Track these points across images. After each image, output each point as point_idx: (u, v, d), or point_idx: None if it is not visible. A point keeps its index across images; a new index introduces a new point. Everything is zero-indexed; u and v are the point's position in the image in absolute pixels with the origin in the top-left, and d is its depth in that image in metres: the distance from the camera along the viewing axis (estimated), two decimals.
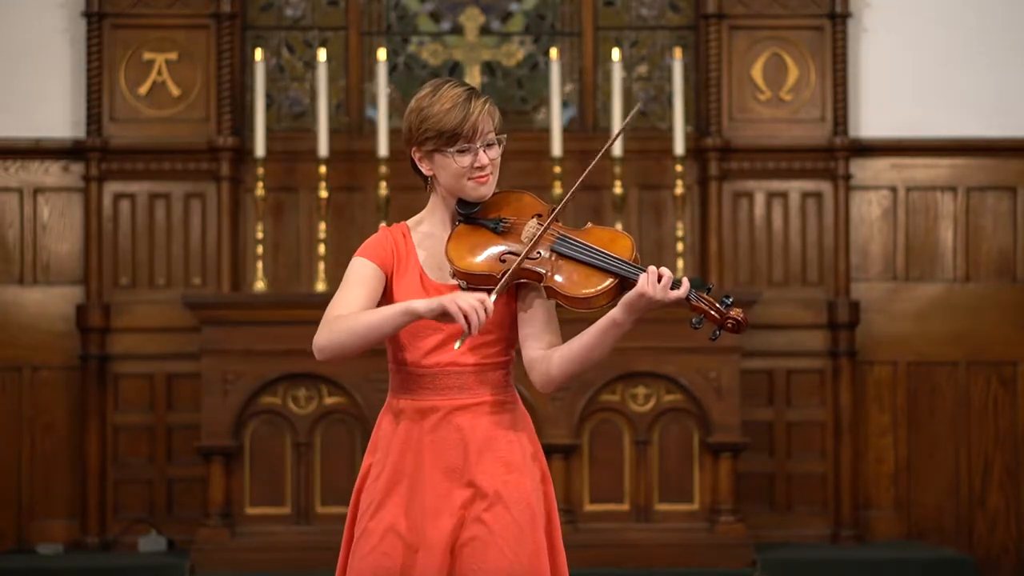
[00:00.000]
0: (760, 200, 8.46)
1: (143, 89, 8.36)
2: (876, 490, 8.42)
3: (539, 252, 3.78)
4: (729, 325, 3.74)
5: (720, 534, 7.71)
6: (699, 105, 8.52)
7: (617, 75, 8.18)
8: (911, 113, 8.47)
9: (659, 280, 3.71)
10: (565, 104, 8.59)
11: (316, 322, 3.81)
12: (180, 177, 8.36)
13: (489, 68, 8.69)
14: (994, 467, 8.44)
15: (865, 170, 8.48)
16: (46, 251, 8.37)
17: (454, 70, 8.67)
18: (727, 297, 3.76)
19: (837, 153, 8.39)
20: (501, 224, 3.85)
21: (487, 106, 3.83)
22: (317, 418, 7.76)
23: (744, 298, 7.95)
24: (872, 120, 8.49)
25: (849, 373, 8.35)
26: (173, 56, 8.38)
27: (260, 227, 8.20)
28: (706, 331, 3.77)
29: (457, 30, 8.61)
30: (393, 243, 3.87)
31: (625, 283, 3.74)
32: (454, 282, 3.83)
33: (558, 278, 3.77)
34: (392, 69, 8.62)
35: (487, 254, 3.81)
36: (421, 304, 3.67)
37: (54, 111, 8.37)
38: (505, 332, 3.85)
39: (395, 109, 8.59)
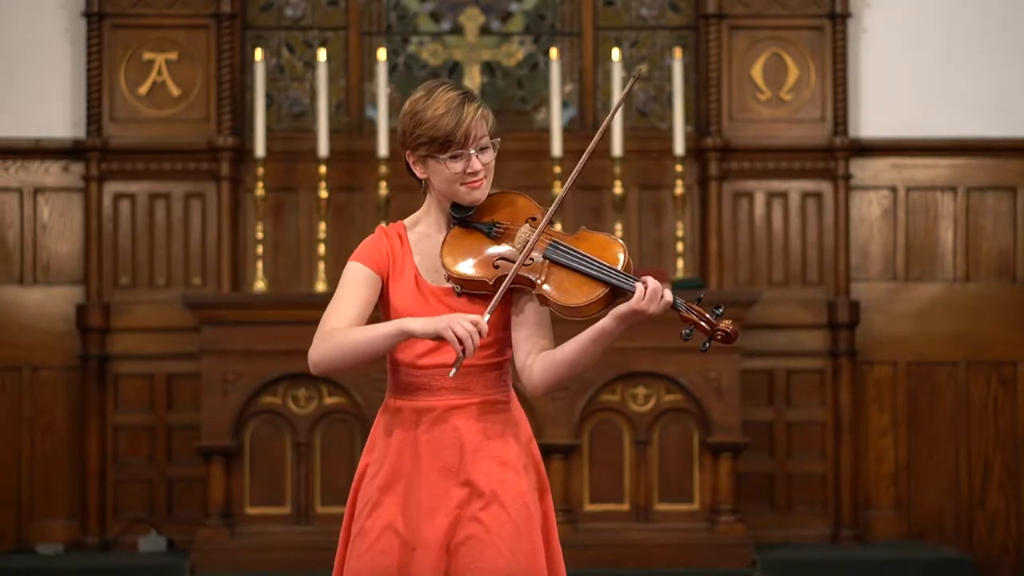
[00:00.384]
0: (760, 200, 8.46)
1: (143, 89, 8.36)
2: (876, 490, 8.42)
3: (532, 258, 3.79)
4: (719, 336, 3.74)
5: (720, 534, 7.71)
6: (699, 105, 8.52)
7: (617, 75, 8.18)
8: (911, 113, 8.47)
9: (647, 293, 3.70)
10: (565, 104, 8.59)
11: (316, 322, 3.82)
12: (180, 177, 8.36)
13: (489, 68, 8.69)
14: (994, 467, 8.44)
15: (865, 170, 8.48)
16: (46, 251, 8.37)
17: (454, 70, 8.67)
18: (717, 308, 3.77)
19: (837, 153, 8.39)
20: (495, 229, 3.86)
21: (480, 111, 3.83)
22: (317, 418, 7.77)
23: (744, 298, 7.95)
24: (872, 120, 8.49)
25: (849, 373, 8.35)
26: (173, 56, 8.38)
27: (260, 227, 8.20)
28: (697, 339, 3.76)
29: (457, 30, 8.61)
30: (388, 246, 3.88)
31: (616, 292, 3.75)
32: (449, 285, 3.84)
33: (550, 286, 3.77)
34: (392, 69, 8.62)
35: (481, 259, 3.82)
36: (416, 325, 3.69)
37: (54, 111, 8.37)
38: (499, 334, 3.86)
39: (395, 109, 8.58)
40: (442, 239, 3.87)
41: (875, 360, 8.45)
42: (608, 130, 8.21)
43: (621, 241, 3.85)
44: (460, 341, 3.64)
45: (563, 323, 3.85)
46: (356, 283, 3.84)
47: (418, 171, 3.88)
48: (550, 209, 3.85)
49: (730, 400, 7.76)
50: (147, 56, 8.37)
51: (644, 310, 3.70)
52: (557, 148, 8.13)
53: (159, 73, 8.38)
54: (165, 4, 8.37)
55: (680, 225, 8.25)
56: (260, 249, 8.18)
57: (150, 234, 8.35)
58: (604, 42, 8.67)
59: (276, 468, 7.76)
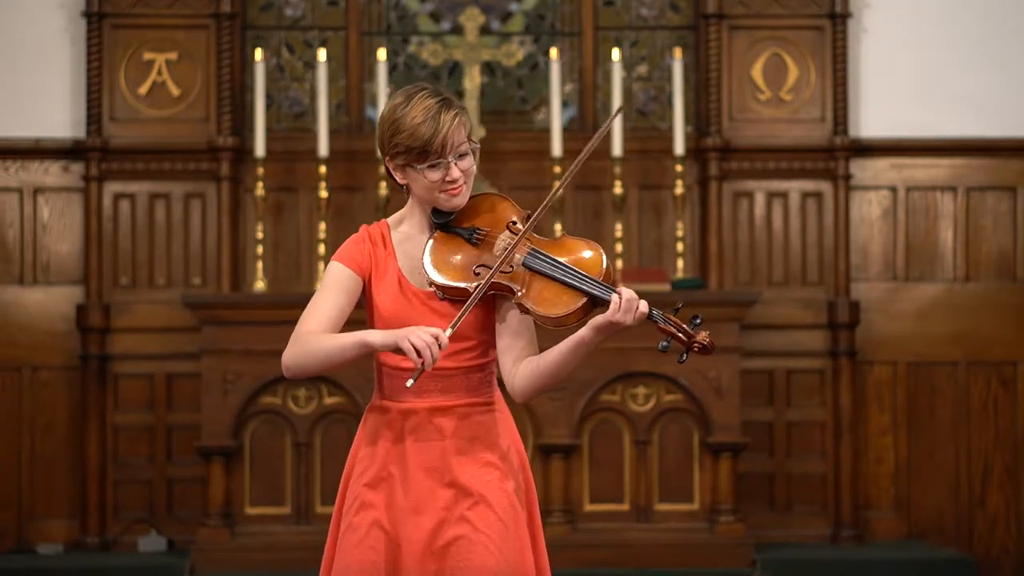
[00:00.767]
0: (760, 200, 8.46)
1: (143, 89, 8.36)
2: (876, 490, 8.42)
3: (511, 266, 3.79)
4: (696, 348, 3.77)
5: (720, 534, 7.71)
6: (699, 105, 8.52)
7: (617, 75, 8.18)
8: (911, 113, 8.47)
9: (622, 305, 3.71)
10: (565, 104, 8.58)
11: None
12: (180, 177, 8.36)
13: (489, 68, 8.69)
14: (994, 467, 8.44)
15: (865, 170, 8.48)
16: (46, 251, 8.37)
17: (454, 70, 8.67)
18: (695, 318, 3.78)
19: (837, 153, 8.39)
20: (475, 235, 3.86)
21: (458, 119, 3.81)
22: (317, 418, 7.76)
23: (744, 298, 7.95)
24: (872, 120, 8.49)
25: (849, 373, 8.34)
26: (173, 56, 8.38)
27: (260, 227, 8.20)
28: (675, 350, 3.76)
29: (457, 30, 8.61)
30: (371, 246, 3.90)
31: (596, 301, 3.76)
32: (432, 288, 3.85)
33: (529, 296, 3.78)
34: (392, 69, 8.61)
35: (461, 267, 3.83)
36: (376, 338, 3.71)
37: (54, 111, 8.37)
38: (483, 336, 3.87)
39: None
40: (425, 240, 3.88)
41: (875, 360, 8.45)
42: (608, 132, 8.25)
43: (600, 248, 3.85)
44: (419, 353, 3.65)
45: (545, 328, 3.86)
46: (336, 284, 3.85)
47: (398, 177, 3.89)
48: (531, 220, 3.85)
49: (730, 400, 7.76)
50: (147, 56, 8.37)
51: (620, 322, 3.72)
52: (557, 148, 8.13)
53: (159, 73, 8.37)
54: (165, 4, 8.37)
55: (680, 225, 8.25)
56: (260, 249, 8.18)
57: (150, 234, 8.35)
58: (604, 42, 8.67)
59: (276, 468, 7.76)
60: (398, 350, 3.68)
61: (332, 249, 8.15)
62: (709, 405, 7.74)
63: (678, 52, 8.31)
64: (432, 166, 3.81)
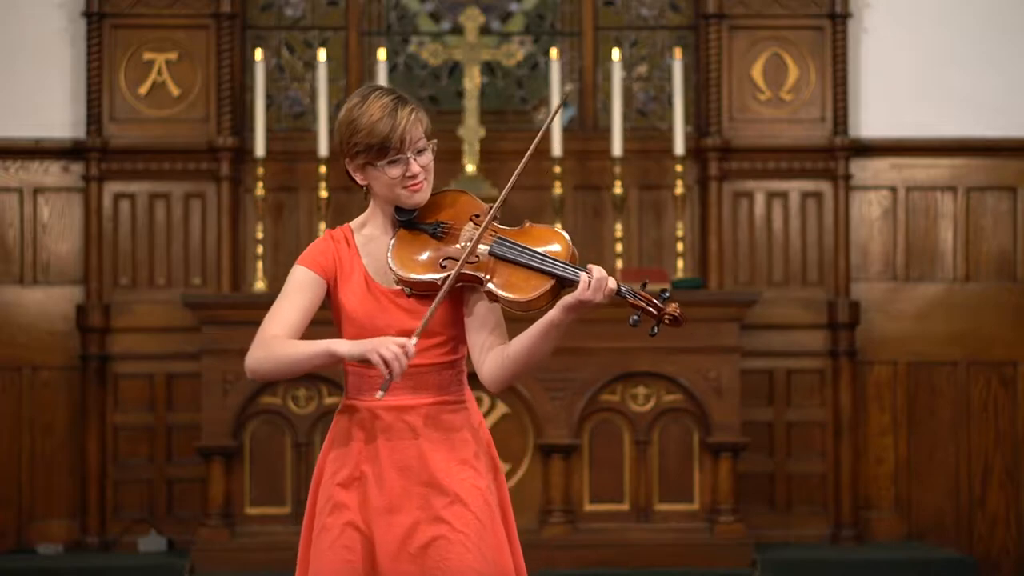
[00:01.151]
0: (760, 200, 8.46)
1: (143, 89, 8.36)
2: (876, 490, 8.42)
3: (477, 256, 3.80)
4: (667, 320, 3.76)
5: (720, 534, 7.70)
6: (699, 105, 8.52)
7: (617, 75, 8.18)
8: (911, 113, 8.47)
9: (592, 283, 3.73)
10: (565, 104, 8.58)
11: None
12: (180, 177, 8.36)
13: (489, 68, 8.69)
14: (994, 467, 8.44)
15: (865, 170, 8.48)
16: (46, 251, 8.37)
17: (454, 70, 8.68)
18: (664, 292, 3.79)
19: (837, 153, 8.39)
20: (439, 229, 3.87)
21: (414, 114, 3.84)
22: (317, 418, 7.76)
23: (744, 298, 7.95)
24: (872, 120, 8.49)
25: (849, 373, 8.34)
26: (173, 56, 8.38)
27: (260, 227, 8.20)
28: (646, 325, 3.77)
29: (457, 30, 8.61)
30: (335, 250, 3.91)
31: (563, 283, 3.77)
32: (399, 287, 3.86)
33: (497, 282, 3.79)
34: (392, 69, 8.61)
35: (427, 261, 3.84)
36: (343, 348, 3.72)
37: (54, 111, 8.37)
38: (452, 332, 3.88)
39: None
40: (389, 240, 3.88)
41: (875, 360, 8.45)
42: (607, 131, 8.26)
43: (565, 232, 3.88)
44: (387, 364, 3.65)
45: (516, 317, 3.86)
46: (300, 287, 3.87)
47: (358, 178, 3.90)
48: (493, 209, 3.87)
49: (730, 400, 7.76)
50: (147, 56, 8.37)
51: (590, 299, 3.73)
52: (557, 148, 8.13)
53: (159, 73, 8.37)
54: (165, 4, 8.37)
55: (680, 225, 8.25)
56: (260, 249, 8.18)
57: (150, 234, 8.35)
58: (604, 42, 8.67)
59: (276, 468, 7.76)
60: (365, 361, 3.69)
61: None
62: (709, 405, 7.74)
63: (678, 52, 8.31)
64: (392, 162, 3.83)
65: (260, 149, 8.12)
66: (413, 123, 3.83)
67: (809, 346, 8.38)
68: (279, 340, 3.79)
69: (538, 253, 3.79)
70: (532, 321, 3.81)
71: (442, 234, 3.86)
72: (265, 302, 8.11)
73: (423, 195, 3.88)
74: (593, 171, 8.44)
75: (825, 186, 8.43)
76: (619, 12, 8.73)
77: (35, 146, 8.35)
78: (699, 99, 8.53)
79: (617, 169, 8.14)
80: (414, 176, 3.85)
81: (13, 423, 8.30)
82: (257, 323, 3.78)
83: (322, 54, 8.28)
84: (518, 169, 3.92)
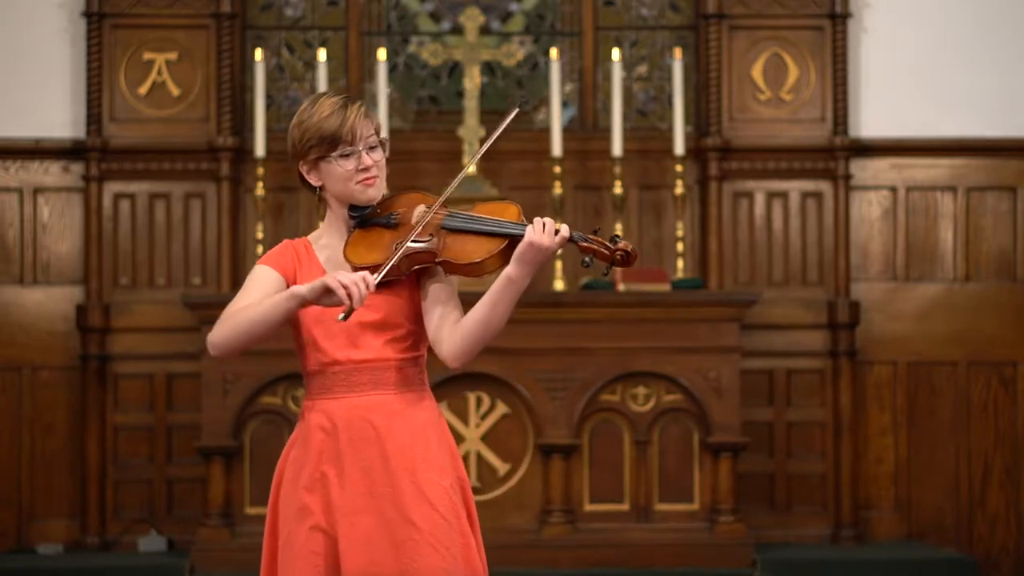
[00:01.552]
0: (760, 200, 8.46)
1: (143, 89, 8.36)
2: (876, 490, 8.42)
3: (430, 235, 3.84)
4: (619, 257, 3.81)
5: (720, 534, 7.70)
6: (699, 105, 8.52)
7: (617, 75, 8.18)
8: (911, 113, 8.47)
9: (543, 228, 3.76)
10: (565, 104, 8.59)
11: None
12: (180, 177, 8.36)
13: (489, 68, 8.69)
14: (994, 467, 8.44)
15: (865, 170, 8.48)
16: (46, 251, 8.37)
17: (454, 70, 8.68)
18: (616, 237, 3.84)
19: (837, 153, 8.39)
20: (392, 218, 3.91)
21: (364, 110, 3.89)
22: None
23: (744, 298, 7.95)
24: (872, 120, 8.49)
25: (849, 373, 8.34)
26: (173, 56, 8.38)
27: (260, 227, 8.20)
28: (599, 267, 3.79)
29: (457, 30, 8.61)
30: (295, 253, 3.93)
31: (515, 243, 3.80)
32: None
33: (450, 251, 3.83)
34: (392, 69, 8.62)
35: (382, 247, 3.86)
36: (303, 287, 3.72)
37: (54, 111, 8.37)
38: (412, 326, 3.89)
39: (395, 109, 8.60)
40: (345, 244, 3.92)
41: (875, 360, 8.45)
42: (607, 131, 8.26)
43: (515, 202, 3.92)
44: (346, 289, 3.65)
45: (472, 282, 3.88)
46: (260, 282, 3.88)
47: (312, 179, 3.92)
48: (445, 192, 3.90)
49: (730, 400, 7.76)
50: (147, 56, 8.37)
51: (540, 242, 3.75)
52: (557, 148, 8.13)
53: (159, 73, 8.38)
54: (165, 4, 8.37)
55: (680, 225, 8.25)
56: (260, 249, 8.18)
57: (150, 234, 8.36)
58: (604, 42, 8.67)
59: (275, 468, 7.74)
60: (327, 293, 3.66)
61: None
62: (709, 405, 7.74)
63: (678, 52, 8.31)
64: (345, 155, 3.86)
65: (260, 149, 8.13)
66: (362, 118, 3.88)
67: (809, 346, 8.38)
68: (239, 310, 3.80)
69: (489, 219, 3.85)
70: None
71: (396, 223, 3.90)
72: None
73: (376, 191, 3.91)
74: (593, 171, 8.44)
75: (825, 186, 8.43)
76: (619, 12, 8.73)
77: (35, 146, 8.35)
78: (699, 99, 8.53)
79: (617, 169, 8.14)
80: (367, 169, 3.88)
81: (13, 423, 8.30)
82: None
83: (322, 54, 8.29)
84: (468, 165, 3.95)
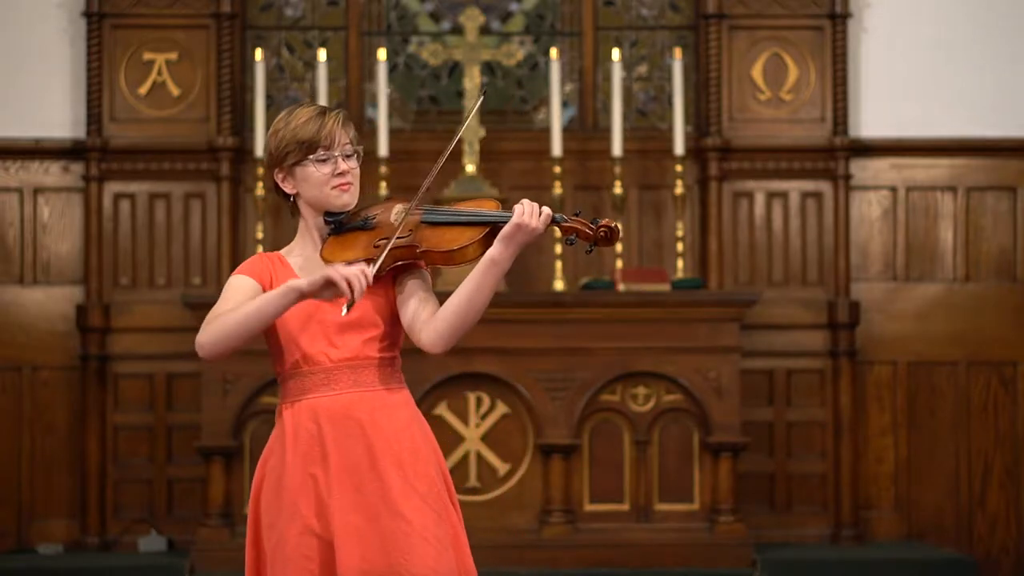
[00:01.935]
0: (760, 200, 8.46)
1: (143, 89, 8.36)
2: (876, 490, 8.42)
3: (409, 231, 3.86)
4: (602, 234, 3.89)
5: (720, 534, 7.70)
6: (699, 105, 8.52)
7: (617, 75, 8.18)
8: (911, 113, 8.47)
9: (527, 209, 3.80)
10: (565, 104, 8.59)
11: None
12: (180, 177, 8.36)
13: (489, 68, 8.69)
14: (994, 467, 8.44)
15: (865, 170, 8.48)
16: (46, 251, 8.37)
17: (454, 70, 8.68)
18: (595, 219, 3.91)
19: (837, 153, 8.39)
20: (370, 220, 3.93)
21: (341, 117, 3.93)
22: None
23: (744, 298, 7.95)
24: (872, 120, 8.49)
25: (849, 373, 8.34)
26: (173, 56, 8.38)
27: (260, 227, 8.20)
28: (582, 246, 3.91)
29: (457, 30, 8.61)
30: (269, 262, 3.94)
31: (496, 231, 3.83)
32: None
33: (431, 243, 3.84)
34: (392, 69, 8.62)
35: (361, 246, 3.87)
36: (303, 281, 3.72)
37: (54, 111, 8.37)
38: (389, 327, 3.90)
39: (395, 109, 8.60)
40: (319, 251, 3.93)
41: (875, 360, 8.45)
42: (607, 131, 8.26)
43: (494, 198, 3.96)
44: (348, 283, 3.65)
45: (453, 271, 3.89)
46: (238, 290, 3.87)
47: (288, 187, 3.94)
48: (421, 187, 3.91)
49: (730, 400, 7.76)
50: (147, 56, 8.37)
51: (527, 224, 3.79)
52: (557, 148, 8.13)
53: (159, 73, 8.38)
54: (165, 4, 8.37)
55: (680, 225, 8.25)
56: (260, 249, 8.18)
57: (150, 234, 8.36)
58: (604, 42, 8.67)
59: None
60: (327, 286, 3.66)
61: None
62: (709, 405, 7.74)
63: (678, 52, 8.31)
64: (321, 160, 3.88)
65: (260, 149, 8.12)
66: (341, 125, 3.91)
67: (809, 346, 8.38)
68: (229, 311, 3.78)
69: (467, 210, 3.88)
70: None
71: (373, 225, 3.91)
72: None
73: (352, 197, 3.93)
74: (593, 171, 8.44)
75: (825, 186, 8.43)
76: (619, 12, 8.74)
77: (35, 146, 8.35)
78: (699, 99, 8.53)
79: (617, 169, 8.14)
80: (343, 174, 3.91)
81: (13, 423, 8.30)
82: None
83: (322, 54, 8.29)
84: (440, 160, 3.96)
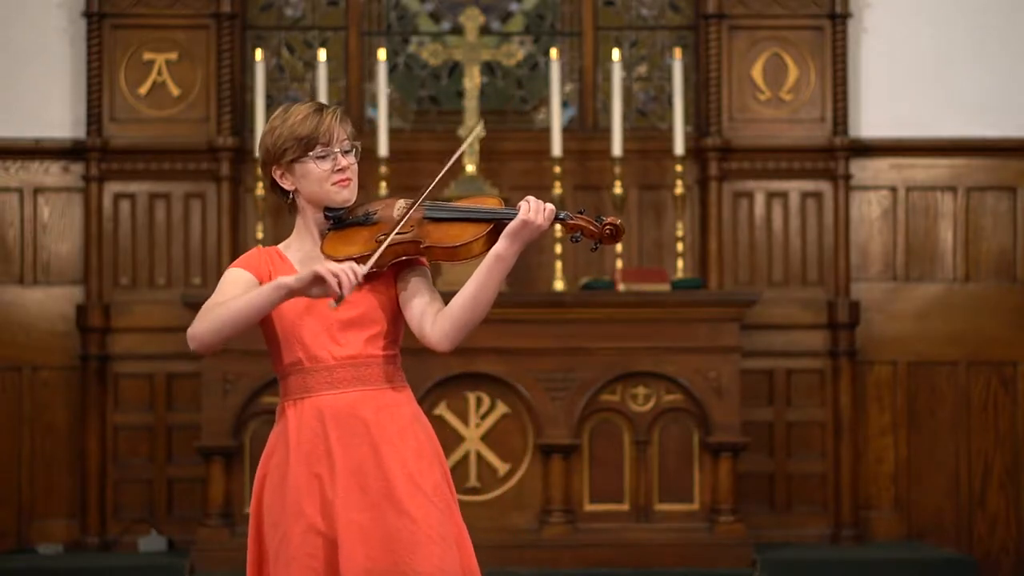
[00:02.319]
0: (760, 200, 8.46)
1: (143, 89, 8.36)
2: (876, 490, 8.42)
3: (411, 227, 3.84)
4: (608, 231, 3.90)
5: (720, 534, 7.70)
6: (699, 105, 8.52)
7: (617, 75, 8.18)
8: (911, 113, 8.47)
9: (532, 206, 3.80)
10: (565, 104, 8.59)
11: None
12: (180, 177, 8.36)
13: (489, 68, 8.69)
14: (994, 467, 8.44)
15: (865, 170, 8.48)
16: (46, 251, 8.37)
17: (454, 70, 8.68)
18: (600, 216, 3.91)
19: (837, 153, 8.39)
20: (371, 216, 3.91)
21: (339, 113, 3.92)
22: None
23: (744, 298, 7.95)
24: (872, 120, 8.49)
25: (849, 373, 8.34)
26: (173, 56, 8.38)
27: (260, 227, 8.20)
28: (586, 244, 3.88)
29: (457, 30, 8.61)
30: (267, 257, 3.93)
31: (499, 228, 3.82)
32: None
33: (434, 238, 3.83)
34: (392, 69, 8.62)
35: (362, 240, 3.86)
36: (291, 278, 3.70)
37: (54, 111, 8.37)
38: (390, 324, 3.89)
39: (395, 109, 8.60)
40: (319, 247, 3.91)
41: (875, 360, 8.45)
42: (607, 131, 8.26)
43: (495, 195, 3.95)
44: (337, 279, 3.64)
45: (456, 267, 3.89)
46: (235, 281, 3.86)
47: (286, 184, 3.93)
48: (428, 187, 3.90)
49: (730, 400, 7.76)
50: (147, 56, 8.37)
51: (533, 221, 3.79)
52: (557, 148, 8.13)
53: (159, 73, 8.38)
54: (165, 4, 8.37)
55: (680, 225, 8.25)
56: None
57: (150, 234, 8.36)
58: (604, 42, 8.67)
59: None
60: (316, 282, 3.65)
61: None
62: (709, 405, 7.74)
63: (678, 52, 8.31)
64: (321, 156, 3.87)
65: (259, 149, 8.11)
66: (339, 121, 3.90)
67: (809, 346, 8.38)
68: (220, 304, 3.77)
69: (470, 207, 3.87)
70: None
71: (374, 220, 3.90)
72: None
73: (351, 192, 3.92)
74: (593, 171, 8.44)
75: (825, 186, 8.43)
76: (619, 12, 8.73)
77: (35, 146, 8.35)
78: (699, 99, 8.53)
79: (617, 169, 8.14)
80: (343, 170, 3.90)
81: (13, 423, 8.30)
82: None
83: (322, 54, 8.29)
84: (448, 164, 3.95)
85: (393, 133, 8.20)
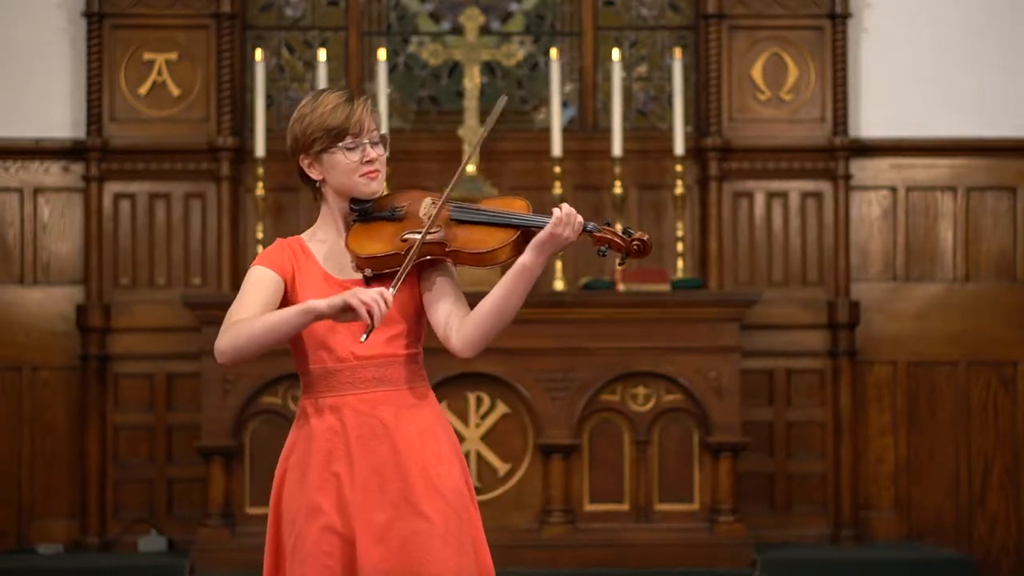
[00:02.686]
0: (760, 200, 8.46)
1: (143, 89, 8.36)
2: (876, 490, 8.42)
3: (438, 227, 3.82)
4: (635, 247, 3.84)
5: (720, 534, 7.70)
6: (699, 105, 8.52)
7: (617, 75, 8.18)
8: (911, 113, 8.47)
9: (563, 218, 3.78)
10: (565, 104, 8.59)
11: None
12: (180, 177, 8.36)
13: (489, 68, 8.69)
14: (994, 467, 8.44)
15: (865, 170, 8.48)
16: (46, 251, 8.37)
17: (454, 70, 8.68)
18: (629, 229, 3.86)
19: (837, 153, 8.39)
20: (397, 211, 3.89)
21: (369, 103, 3.89)
22: None
23: (744, 298, 7.95)
24: (872, 120, 8.49)
25: (849, 373, 8.34)
26: (173, 56, 8.38)
27: (260, 227, 8.20)
28: (613, 257, 3.84)
29: (457, 30, 8.61)
30: (291, 251, 3.91)
31: (527, 235, 3.79)
32: (358, 275, 3.86)
33: (461, 242, 3.81)
34: (392, 69, 8.62)
35: (387, 238, 3.84)
36: (322, 303, 3.68)
37: (54, 111, 8.37)
38: (412, 323, 3.89)
39: (395, 109, 8.60)
40: (344, 239, 3.89)
41: (875, 360, 8.45)
42: (607, 131, 8.26)
43: (524, 198, 3.90)
44: (368, 309, 3.62)
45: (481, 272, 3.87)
46: (259, 283, 3.84)
47: (313, 173, 3.91)
48: (451, 184, 3.88)
49: (730, 400, 7.76)
50: (147, 56, 8.37)
51: (560, 234, 3.77)
52: (557, 148, 8.13)
53: (159, 73, 8.38)
54: (165, 4, 8.37)
55: (680, 225, 8.25)
56: (260, 249, 8.18)
57: (150, 234, 8.36)
58: (604, 42, 8.67)
59: (276, 468, 7.74)
60: (345, 311, 3.64)
61: None
62: (709, 405, 7.74)
63: (678, 52, 8.31)
64: (350, 148, 3.85)
65: (260, 149, 8.13)
66: (368, 111, 3.87)
67: (809, 346, 8.38)
68: (248, 320, 3.75)
69: (500, 211, 3.83)
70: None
71: (400, 216, 3.87)
72: None
73: (379, 184, 3.90)
74: (593, 171, 8.44)
75: (825, 186, 8.43)
76: (619, 12, 8.74)
77: (35, 146, 8.35)
78: (699, 99, 8.53)
79: (617, 169, 8.14)
80: (371, 161, 3.87)
81: (13, 423, 8.30)
82: None
83: (322, 54, 8.29)
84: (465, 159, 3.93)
85: (393, 133, 8.20)
